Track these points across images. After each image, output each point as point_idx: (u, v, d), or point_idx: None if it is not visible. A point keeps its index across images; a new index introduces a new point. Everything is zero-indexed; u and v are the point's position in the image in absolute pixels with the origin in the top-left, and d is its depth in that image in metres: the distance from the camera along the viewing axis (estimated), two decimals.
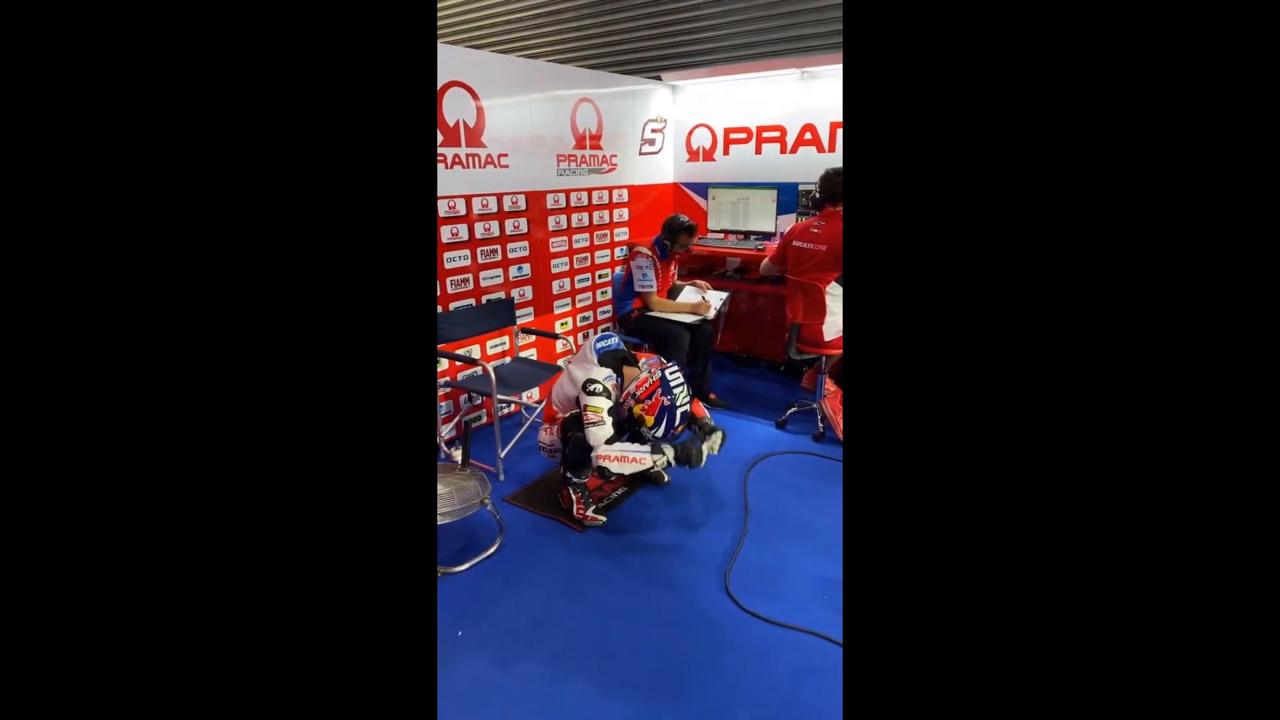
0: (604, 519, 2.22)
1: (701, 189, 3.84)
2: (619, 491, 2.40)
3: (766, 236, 3.49)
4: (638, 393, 2.13)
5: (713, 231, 3.69)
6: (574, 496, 2.23)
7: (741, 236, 3.58)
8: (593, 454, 2.06)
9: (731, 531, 2.14)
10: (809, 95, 3.34)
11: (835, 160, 3.24)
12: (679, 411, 2.10)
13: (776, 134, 3.51)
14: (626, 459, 2.03)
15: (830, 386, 2.81)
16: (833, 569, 1.93)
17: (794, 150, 3.46)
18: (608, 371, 2.18)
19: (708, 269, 3.66)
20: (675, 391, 2.10)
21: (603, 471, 2.08)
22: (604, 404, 2.09)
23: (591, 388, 2.11)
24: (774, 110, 3.48)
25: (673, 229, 3.03)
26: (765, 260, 2.99)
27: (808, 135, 3.40)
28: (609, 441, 2.06)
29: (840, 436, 2.75)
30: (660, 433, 2.11)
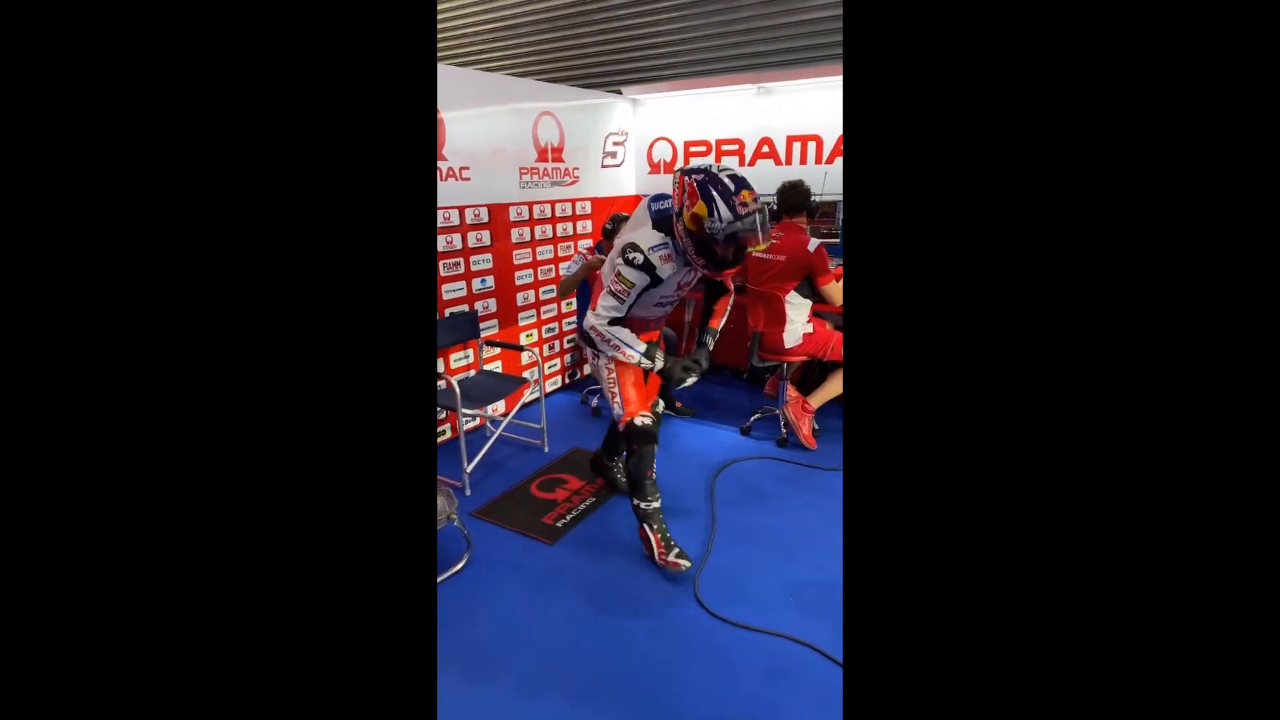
0: (689, 563, 1.92)
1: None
2: (587, 502, 2.41)
3: None
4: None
5: None
6: (653, 538, 1.97)
7: None
8: (588, 320, 1.86)
9: (699, 538, 2.16)
10: (765, 110, 3.44)
11: (792, 173, 3.33)
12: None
13: (735, 147, 3.60)
14: (618, 347, 1.85)
15: (792, 392, 2.87)
16: (799, 571, 1.97)
17: (752, 163, 3.54)
18: (659, 238, 1.78)
19: None
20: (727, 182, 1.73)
21: (585, 337, 1.92)
22: (637, 280, 1.77)
23: (631, 255, 1.76)
24: (732, 125, 3.57)
25: (613, 220, 3.06)
26: None
27: (765, 149, 3.49)
28: (613, 323, 1.84)
29: (803, 441, 2.81)
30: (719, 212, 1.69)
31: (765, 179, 3.44)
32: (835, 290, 2.68)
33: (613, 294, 1.81)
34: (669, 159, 3.85)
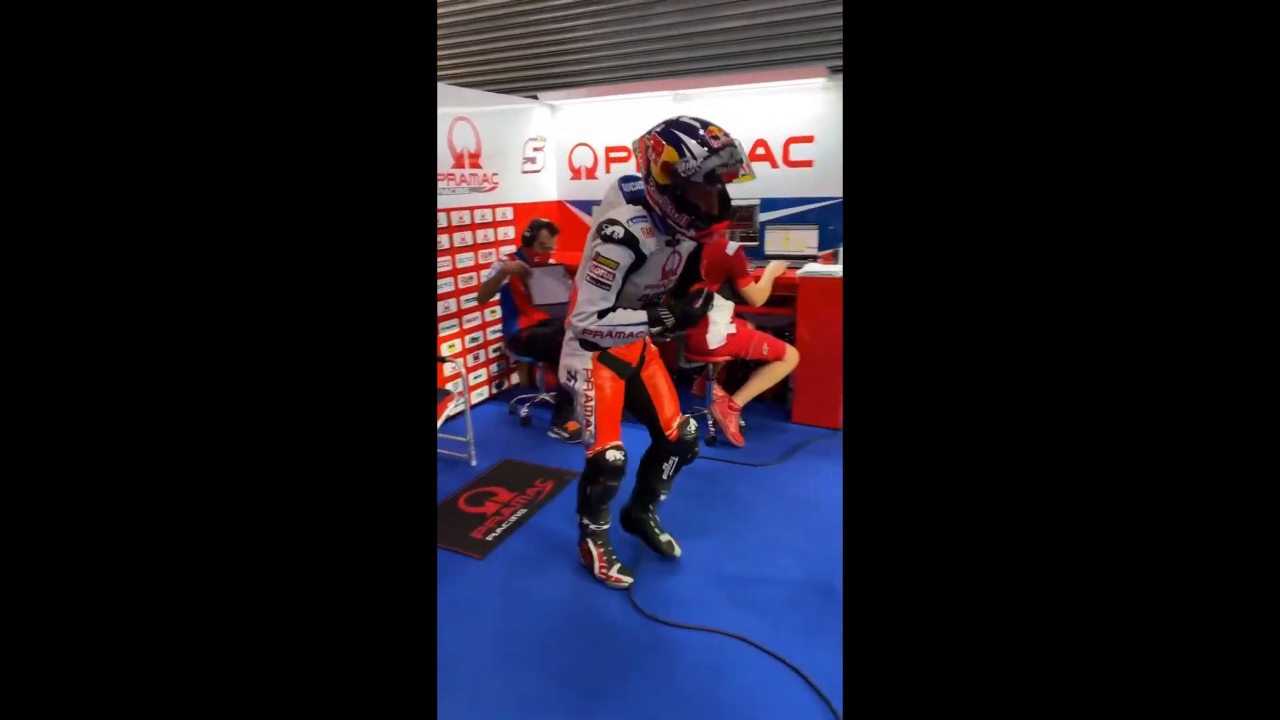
0: (631, 579, 1.92)
1: (586, 206, 3.89)
2: (518, 514, 2.35)
3: None
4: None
5: None
6: (595, 552, 1.95)
7: None
8: (574, 328, 1.62)
9: (632, 541, 2.16)
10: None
11: None
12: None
13: None
14: (622, 333, 1.62)
15: (718, 392, 2.93)
16: (733, 567, 2.00)
17: None
18: (636, 210, 1.61)
19: None
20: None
21: (585, 343, 1.67)
22: (620, 258, 1.57)
23: (610, 230, 1.56)
24: None
25: (533, 226, 3.05)
26: None
27: None
28: (602, 316, 1.61)
29: (730, 439, 2.87)
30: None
31: None
32: (755, 291, 2.76)
33: (595, 282, 1.58)
34: (590, 165, 3.85)
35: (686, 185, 1.55)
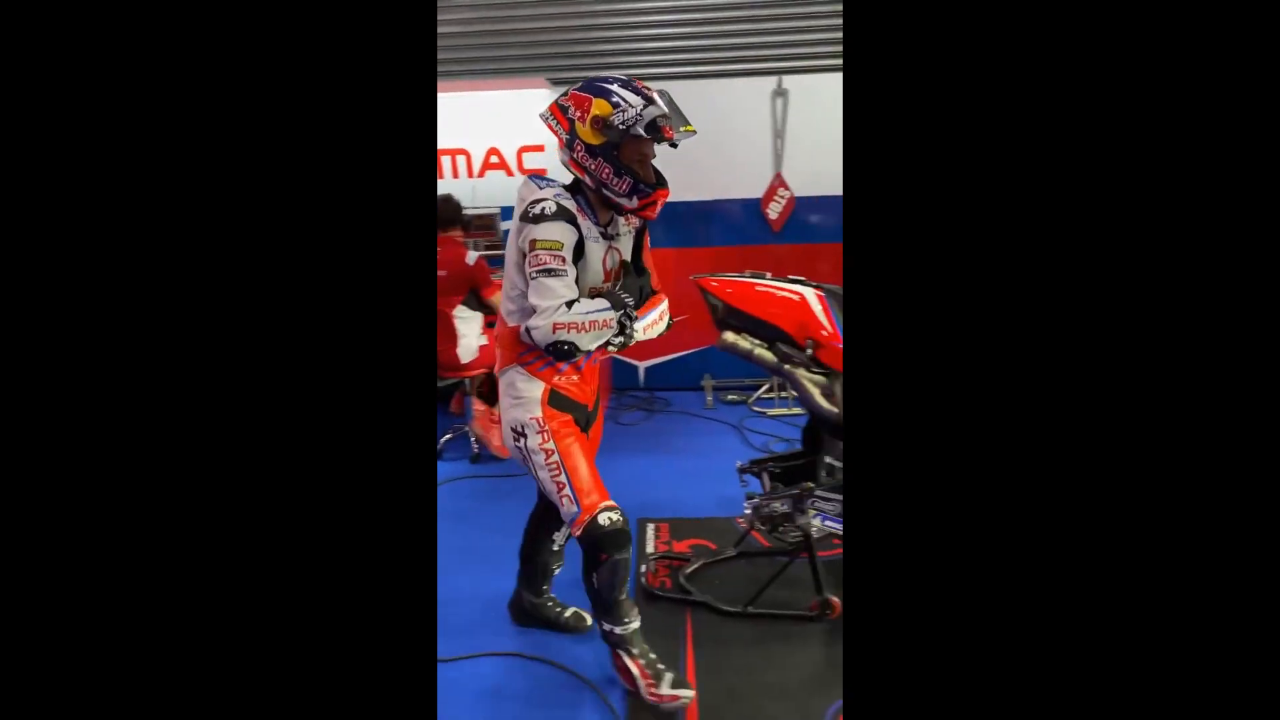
0: (691, 693, 1.47)
1: None
2: None
3: None
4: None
5: None
6: (634, 666, 1.46)
7: None
8: (540, 331, 1.28)
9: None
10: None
11: (442, 187, 3.31)
12: None
13: None
14: (594, 324, 1.30)
15: (479, 406, 2.87)
16: (501, 583, 1.97)
17: None
18: (559, 189, 1.38)
19: None
20: None
21: (560, 349, 1.30)
22: (563, 236, 1.30)
23: (538, 209, 1.30)
24: None
25: None
26: None
27: None
28: (571, 304, 1.30)
29: (495, 452, 2.82)
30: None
31: None
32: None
33: (545, 272, 1.29)
34: None
35: (624, 141, 1.32)
